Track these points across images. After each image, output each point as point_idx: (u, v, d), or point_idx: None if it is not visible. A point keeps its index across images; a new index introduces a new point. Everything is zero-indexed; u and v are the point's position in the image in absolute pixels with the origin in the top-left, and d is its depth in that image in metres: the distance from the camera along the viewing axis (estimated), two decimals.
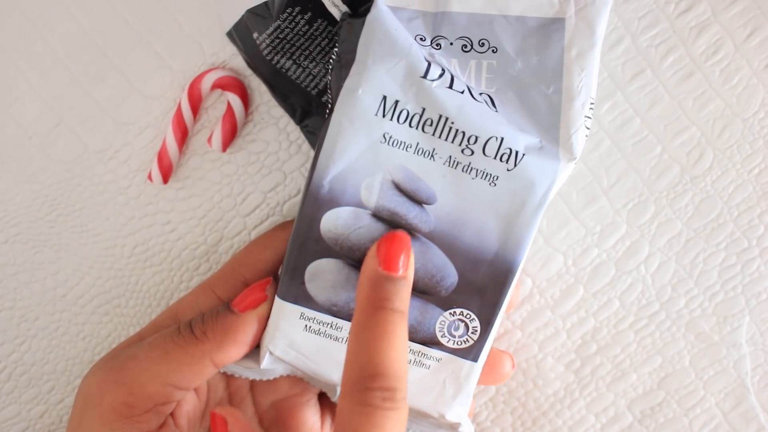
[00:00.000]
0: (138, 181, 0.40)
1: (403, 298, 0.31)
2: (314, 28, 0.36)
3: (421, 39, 0.33)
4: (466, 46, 0.33)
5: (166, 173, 0.39)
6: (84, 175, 0.40)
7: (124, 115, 0.39)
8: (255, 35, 0.36)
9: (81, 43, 0.39)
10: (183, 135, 0.39)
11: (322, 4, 0.35)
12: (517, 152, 0.32)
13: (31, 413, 0.43)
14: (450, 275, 0.33)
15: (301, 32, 0.36)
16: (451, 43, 0.33)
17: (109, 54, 0.39)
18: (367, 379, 0.29)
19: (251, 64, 0.37)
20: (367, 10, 0.32)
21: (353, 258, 0.33)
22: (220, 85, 0.38)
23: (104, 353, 0.42)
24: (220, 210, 0.40)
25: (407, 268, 0.32)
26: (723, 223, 0.39)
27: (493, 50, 0.33)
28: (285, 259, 0.33)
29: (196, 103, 0.38)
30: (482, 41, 0.33)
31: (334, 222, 0.32)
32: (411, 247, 0.32)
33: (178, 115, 0.39)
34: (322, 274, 0.33)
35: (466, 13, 0.33)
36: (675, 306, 0.40)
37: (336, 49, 0.33)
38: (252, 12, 0.36)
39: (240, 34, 0.36)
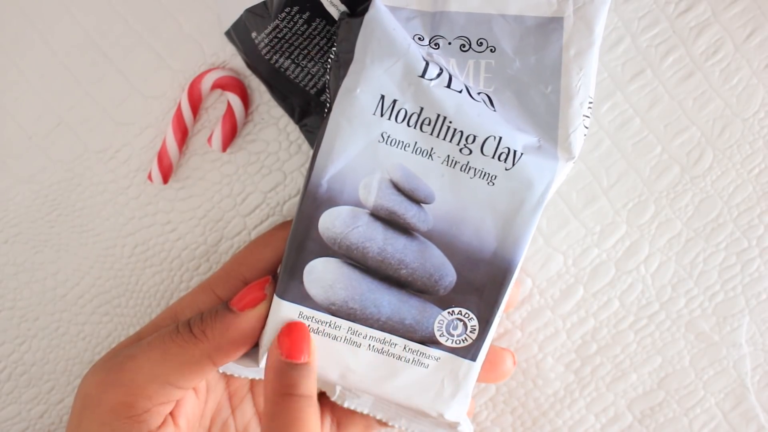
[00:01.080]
0: (138, 181, 0.40)
1: (308, 383, 0.32)
2: (312, 27, 0.36)
3: (419, 39, 0.33)
4: (464, 45, 0.33)
5: (166, 173, 0.39)
6: (84, 175, 0.40)
7: (124, 115, 0.40)
8: (254, 35, 0.36)
9: (81, 43, 0.39)
10: (183, 135, 0.39)
11: (321, 4, 0.35)
12: (515, 151, 0.32)
13: (31, 413, 0.43)
14: (448, 274, 0.33)
15: (299, 32, 0.36)
16: (450, 43, 0.33)
17: (109, 54, 0.39)
18: None
19: (250, 64, 0.37)
20: (366, 10, 0.32)
21: (352, 257, 0.33)
22: (220, 85, 0.38)
23: (104, 353, 0.42)
24: (220, 210, 0.40)
25: (309, 354, 0.33)
26: (723, 223, 0.39)
27: (491, 50, 0.33)
28: (283, 258, 0.33)
29: (196, 103, 0.38)
30: (480, 41, 0.33)
31: (332, 221, 0.32)
32: (310, 335, 0.33)
33: (178, 115, 0.39)
34: (321, 273, 0.33)
35: (464, 13, 0.33)
36: (675, 306, 0.40)
37: (334, 49, 0.33)
38: (250, 11, 0.36)
39: (238, 34, 0.36)
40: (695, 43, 0.38)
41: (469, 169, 0.32)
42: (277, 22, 0.35)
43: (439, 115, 0.32)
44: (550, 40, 0.33)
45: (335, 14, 0.35)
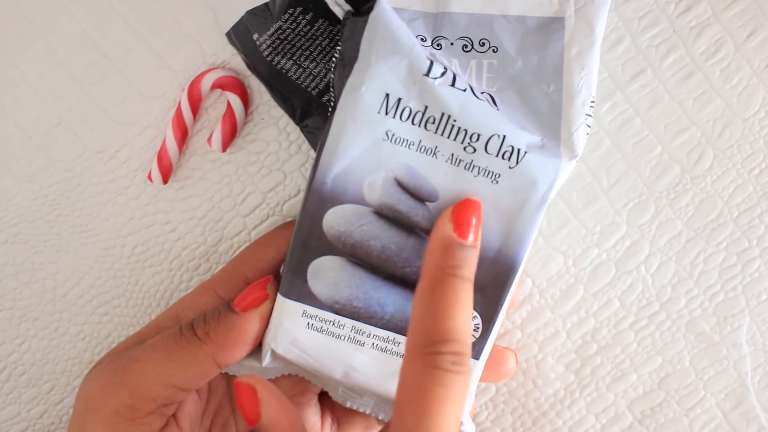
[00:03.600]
0: (138, 181, 0.40)
1: (471, 266, 0.31)
2: (315, 28, 0.36)
3: (422, 40, 0.33)
4: (466, 46, 0.33)
5: (166, 173, 0.39)
6: (84, 175, 0.40)
7: (124, 115, 0.39)
8: (255, 36, 0.36)
9: (81, 43, 0.39)
10: (183, 135, 0.39)
11: (324, 4, 0.35)
12: (519, 150, 0.32)
13: (31, 413, 0.43)
14: None
15: (302, 33, 0.36)
16: (452, 44, 0.33)
17: (109, 54, 0.39)
18: (436, 343, 0.29)
19: (250, 65, 0.37)
20: (370, 9, 0.32)
21: (356, 255, 0.33)
22: (220, 85, 0.38)
23: (104, 353, 0.42)
24: (220, 210, 0.40)
25: (477, 237, 0.32)
26: (723, 223, 0.39)
27: (493, 50, 0.33)
28: (287, 257, 0.33)
29: (196, 103, 0.38)
30: (483, 41, 0.33)
31: (336, 219, 0.32)
32: (482, 215, 0.32)
33: (178, 115, 0.39)
34: (325, 272, 0.33)
35: (466, 14, 0.33)
36: (675, 306, 0.40)
37: (339, 48, 0.33)
38: (252, 13, 0.36)
39: (239, 36, 0.36)
40: (695, 43, 0.38)
41: (473, 168, 0.32)
42: (280, 23, 0.35)
43: (443, 114, 0.32)
44: (551, 39, 0.33)
45: (340, 14, 0.35)
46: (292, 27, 0.35)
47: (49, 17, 0.39)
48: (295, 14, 0.35)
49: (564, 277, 0.40)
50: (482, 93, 0.33)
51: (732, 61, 0.38)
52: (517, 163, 0.32)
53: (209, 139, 0.39)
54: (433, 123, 0.32)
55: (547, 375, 0.41)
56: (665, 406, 0.41)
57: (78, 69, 0.39)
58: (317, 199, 0.32)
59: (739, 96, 0.38)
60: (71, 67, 0.39)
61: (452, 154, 0.32)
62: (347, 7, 0.34)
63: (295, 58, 0.36)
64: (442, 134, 0.32)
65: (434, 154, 0.32)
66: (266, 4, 0.35)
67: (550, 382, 0.41)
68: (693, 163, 0.39)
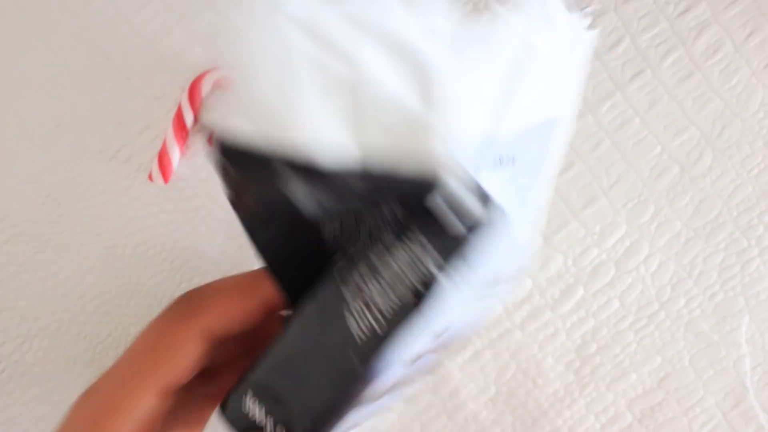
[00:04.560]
0: (139, 181, 0.40)
1: None
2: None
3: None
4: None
5: (167, 173, 0.39)
6: (85, 175, 0.40)
7: (124, 115, 0.40)
8: None
9: (81, 43, 0.39)
10: (183, 135, 0.39)
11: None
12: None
13: (33, 413, 0.43)
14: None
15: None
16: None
17: (110, 54, 0.39)
18: None
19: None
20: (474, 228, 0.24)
21: None
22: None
23: (105, 352, 0.42)
24: (221, 209, 0.40)
25: None
26: (722, 223, 0.39)
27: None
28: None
29: (196, 103, 0.39)
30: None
31: None
32: None
33: (179, 115, 0.39)
34: None
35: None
36: (675, 306, 0.40)
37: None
38: None
39: None
40: (695, 44, 0.38)
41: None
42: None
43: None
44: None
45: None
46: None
47: (49, 17, 0.39)
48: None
49: (564, 277, 0.40)
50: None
51: (731, 62, 0.38)
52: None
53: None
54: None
55: (547, 374, 0.41)
56: (664, 405, 0.41)
57: (78, 69, 0.39)
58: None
59: (738, 96, 0.38)
60: (71, 67, 0.39)
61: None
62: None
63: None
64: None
65: None
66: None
67: (549, 382, 0.41)
68: (692, 163, 0.39)
